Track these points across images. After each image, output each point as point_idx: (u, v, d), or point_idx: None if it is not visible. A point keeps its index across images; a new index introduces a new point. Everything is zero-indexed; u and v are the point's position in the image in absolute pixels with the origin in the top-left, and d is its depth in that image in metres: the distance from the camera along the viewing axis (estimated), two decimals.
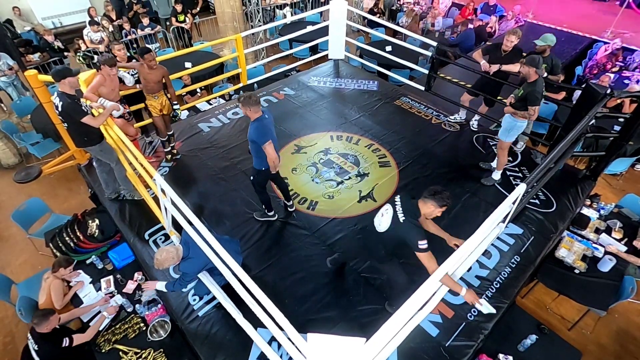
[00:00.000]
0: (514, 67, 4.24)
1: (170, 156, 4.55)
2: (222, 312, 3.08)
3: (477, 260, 3.37)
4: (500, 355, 2.95)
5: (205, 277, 2.96)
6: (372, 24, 8.43)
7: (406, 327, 2.34)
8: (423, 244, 2.35)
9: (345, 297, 3.23)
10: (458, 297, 3.19)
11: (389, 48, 6.78)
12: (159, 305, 3.29)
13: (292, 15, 9.09)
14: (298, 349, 1.93)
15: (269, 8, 9.55)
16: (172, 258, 2.69)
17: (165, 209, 3.19)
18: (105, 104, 3.51)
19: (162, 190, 2.97)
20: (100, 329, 3.12)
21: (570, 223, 4.02)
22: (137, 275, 3.55)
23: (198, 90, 6.39)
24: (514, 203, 2.93)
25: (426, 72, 5.40)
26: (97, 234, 3.87)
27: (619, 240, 3.91)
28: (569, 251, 3.71)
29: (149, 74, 3.98)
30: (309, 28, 6.64)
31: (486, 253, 3.54)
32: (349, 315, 3.11)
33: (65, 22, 9.58)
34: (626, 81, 6.32)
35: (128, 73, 4.33)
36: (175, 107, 4.27)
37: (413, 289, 2.02)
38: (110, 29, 8.14)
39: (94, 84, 3.72)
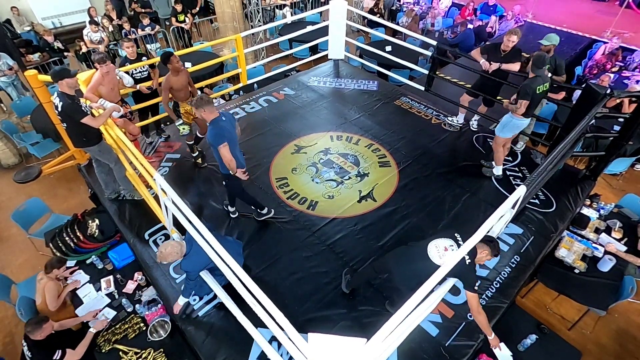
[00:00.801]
0: (514, 67, 4.25)
1: (200, 159, 4.43)
2: (222, 312, 3.08)
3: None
4: None
5: (207, 276, 2.96)
6: (372, 24, 8.43)
7: (406, 327, 2.34)
8: (477, 285, 2.52)
9: (345, 297, 3.23)
10: (458, 297, 3.22)
11: (388, 48, 6.78)
12: (159, 305, 3.29)
13: (292, 15, 9.09)
14: (299, 349, 1.92)
15: (268, 8, 9.55)
16: (176, 253, 2.69)
17: (166, 208, 3.19)
18: (105, 104, 3.52)
19: (163, 190, 2.97)
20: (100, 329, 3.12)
21: (570, 223, 4.02)
22: (137, 275, 3.55)
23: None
24: (513, 207, 2.93)
25: (426, 72, 5.40)
26: (97, 234, 3.87)
27: (619, 240, 3.91)
28: (569, 251, 3.71)
29: (177, 81, 3.84)
30: (309, 28, 6.64)
31: None
32: (349, 315, 3.11)
33: (65, 22, 9.59)
34: (626, 81, 6.32)
35: (127, 73, 4.32)
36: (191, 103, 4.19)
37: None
38: (110, 28, 8.14)
39: (93, 84, 3.73)
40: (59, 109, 3.25)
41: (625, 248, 3.82)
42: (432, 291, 2.14)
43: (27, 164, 5.97)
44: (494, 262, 3.51)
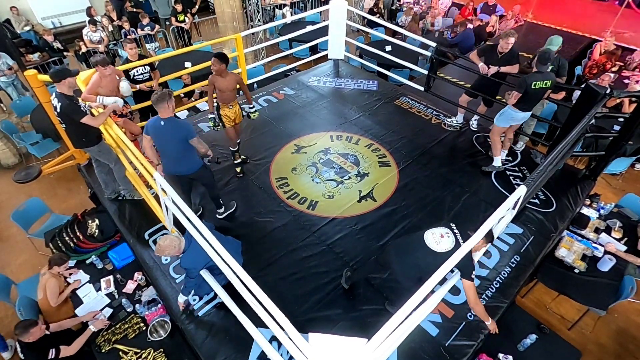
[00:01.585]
0: (513, 69, 4.25)
1: (239, 168, 4.34)
2: (222, 312, 3.09)
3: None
4: (500, 355, 2.95)
5: (207, 276, 2.96)
6: (372, 24, 8.43)
7: (407, 327, 2.34)
8: (474, 274, 2.57)
9: (346, 297, 3.23)
10: (458, 296, 3.22)
11: (388, 48, 6.78)
12: (159, 305, 3.29)
13: (291, 15, 9.09)
14: (299, 349, 1.92)
15: (268, 8, 9.55)
16: (174, 247, 2.68)
17: (166, 207, 3.19)
18: (104, 101, 3.50)
19: (163, 189, 2.97)
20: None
21: (570, 223, 4.02)
22: (137, 275, 3.55)
23: (196, 90, 6.40)
24: (513, 208, 2.93)
25: (426, 72, 5.40)
26: (96, 233, 3.87)
27: (619, 240, 3.91)
28: (569, 251, 3.72)
29: (223, 82, 3.81)
30: (309, 28, 6.64)
31: (486, 253, 3.54)
32: (349, 315, 3.11)
33: (64, 22, 9.58)
34: (626, 81, 6.32)
35: (128, 74, 4.31)
36: (252, 109, 4.15)
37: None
38: (110, 28, 8.13)
39: (91, 86, 3.71)
40: (58, 110, 3.24)
41: (625, 248, 3.82)
42: (433, 291, 2.14)
43: (27, 164, 5.96)
44: (494, 262, 3.51)
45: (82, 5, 9.32)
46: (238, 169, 4.34)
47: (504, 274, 3.43)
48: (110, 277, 3.55)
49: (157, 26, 8.47)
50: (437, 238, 2.58)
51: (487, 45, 4.54)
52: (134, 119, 4.40)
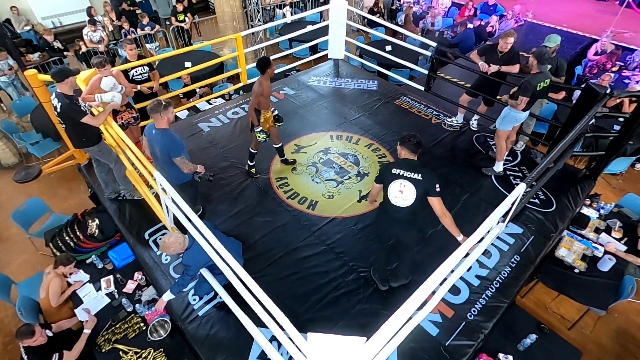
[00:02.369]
0: (513, 69, 4.25)
1: (254, 170, 4.34)
2: (222, 312, 3.09)
3: (477, 260, 3.36)
4: (500, 355, 2.95)
5: (207, 275, 2.96)
6: (372, 24, 8.43)
7: (406, 327, 2.34)
8: (439, 187, 2.74)
9: (345, 297, 3.23)
10: (458, 296, 3.22)
11: (388, 48, 6.78)
12: (162, 309, 3.29)
13: (291, 14, 9.09)
14: (299, 349, 1.92)
15: (268, 7, 9.55)
16: (178, 243, 2.69)
17: (167, 207, 3.20)
18: (102, 98, 3.49)
19: (163, 189, 2.97)
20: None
21: (570, 222, 4.02)
22: (137, 275, 3.55)
23: (197, 90, 6.40)
24: (513, 204, 2.93)
25: (426, 72, 5.40)
26: (97, 233, 3.87)
27: (619, 240, 3.91)
28: (569, 251, 3.71)
29: (268, 87, 3.82)
30: (309, 28, 6.64)
31: (486, 252, 3.54)
32: (349, 315, 3.11)
33: (64, 21, 9.59)
34: (626, 81, 6.32)
35: (128, 75, 4.31)
36: (274, 112, 4.12)
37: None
38: (110, 28, 8.14)
39: (90, 87, 3.70)
40: (58, 110, 3.23)
41: (625, 248, 3.82)
42: (433, 291, 2.14)
43: (27, 164, 5.96)
44: (494, 262, 3.51)
45: (82, 5, 9.33)
46: (253, 170, 4.33)
47: (504, 273, 3.43)
48: (110, 277, 3.55)
49: (157, 26, 8.48)
50: (400, 195, 2.73)
51: (487, 45, 4.53)
52: (139, 121, 4.39)
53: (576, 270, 3.60)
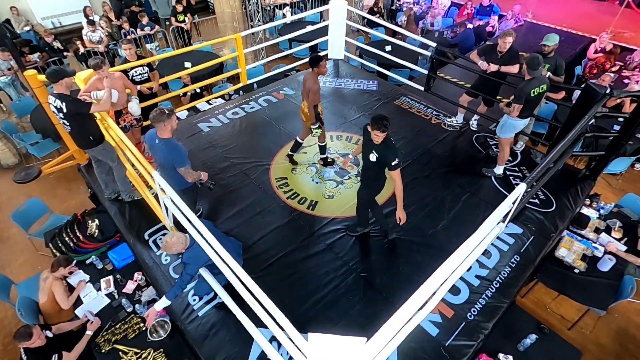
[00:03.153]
0: (513, 69, 4.25)
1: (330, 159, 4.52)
2: (222, 312, 3.09)
3: (477, 260, 3.37)
4: (500, 355, 2.95)
5: (207, 275, 2.96)
6: (372, 24, 8.43)
7: (406, 327, 2.35)
8: (398, 160, 2.98)
9: (345, 297, 3.23)
10: (458, 296, 3.22)
11: (388, 48, 6.78)
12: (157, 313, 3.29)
13: (291, 15, 9.09)
14: (299, 349, 1.93)
15: (268, 8, 9.55)
16: (181, 243, 2.69)
17: (166, 207, 3.20)
18: (97, 95, 3.48)
19: (162, 189, 2.97)
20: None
21: (570, 223, 4.02)
22: (137, 275, 3.55)
23: (197, 90, 6.40)
24: (513, 203, 2.93)
25: (426, 72, 5.40)
26: (96, 234, 3.87)
27: (619, 240, 3.91)
28: (569, 251, 3.71)
29: (317, 85, 3.86)
30: (309, 28, 6.64)
31: (486, 253, 3.54)
32: (349, 315, 3.11)
33: (64, 22, 9.58)
34: (626, 81, 6.32)
35: (127, 75, 4.31)
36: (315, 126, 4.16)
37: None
38: (108, 30, 8.12)
39: (88, 87, 3.69)
40: (65, 110, 3.21)
41: (625, 248, 3.82)
42: (433, 292, 2.14)
43: (27, 164, 5.96)
44: (494, 262, 3.51)
45: (81, 6, 9.30)
46: (330, 159, 4.53)
47: (504, 273, 3.43)
48: (110, 277, 3.54)
49: (156, 26, 8.47)
50: (371, 157, 3.02)
51: (487, 45, 4.54)
52: (141, 123, 4.39)
53: (576, 271, 3.60)
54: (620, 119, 4.33)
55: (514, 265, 3.50)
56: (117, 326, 3.17)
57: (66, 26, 9.56)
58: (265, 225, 3.80)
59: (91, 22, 7.46)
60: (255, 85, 6.24)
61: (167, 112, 2.97)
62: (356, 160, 4.61)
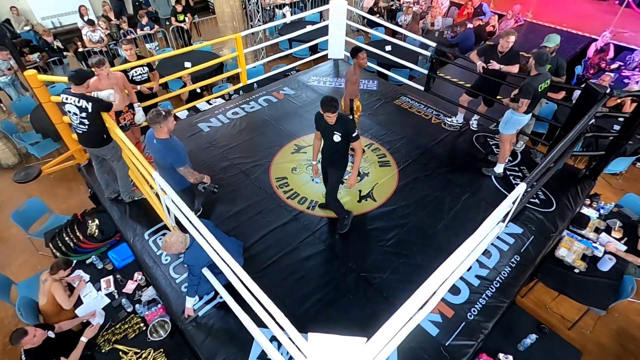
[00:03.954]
0: (513, 69, 4.24)
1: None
2: (222, 312, 3.09)
3: (477, 260, 3.37)
4: (501, 355, 2.95)
5: (208, 275, 2.96)
6: (372, 24, 8.43)
7: (406, 327, 2.34)
8: (357, 132, 3.23)
9: (345, 297, 3.23)
10: (458, 296, 3.22)
11: (388, 48, 6.78)
12: (159, 305, 3.29)
13: (291, 14, 9.09)
14: (299, 349, 1.92)
15: (268, 7, 9.55)
16: (180, 242, 2.69)
17: (167, 207, 3.20)
18: (98, 95, 3.50)
19: (163, 189, 2.97)
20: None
21: (570, 222, 4.02)
22: (137, 275, 3.55)
23: (197, 90, 6.39)
24: (514, 203, 2.93)
25: (426, 72, 5.40)
26: (96, 234, 3.87)
27: (619, 240, 3.91)
28: (569, 250, 3.71)
29: (356, 76, 3.90)
30: (309, 28, 6.64)
31: (486, 252, 3.54)
32: (348, 315, 3.11)
33: (64, 22, 9.58)
34: (626, 80, 6.32)
35: (127, 75, 4.31)
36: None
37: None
38: (107, 31, 8.12)
39: (89, 88, 3.69)
40: (89, 110, 3.27)
41: (625, 247, 3.82)
42: (432, 293, 2.14)
43: (27, 164, 5.96)
44: (494, 262, 3.51)
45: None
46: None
47: (504, 273, 3.43)
48: (110, 277, 3.54)
49: (156, 26, 8.47)
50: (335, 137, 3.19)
51: (487, 45, 4.53)
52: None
53: (576, 270, 3.60)
54: (621, 119, 4.32)
55: (514, 265, 3.50)
56: (117, 326, 3.16)
57: (66, 26, 9.56)
58: (265, 225, 3.80)
59: (91, 22, 7.46)
60: (255, 85, 6.24)
61: (163, 113, 2.97)
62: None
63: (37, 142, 5.68)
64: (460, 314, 3.11)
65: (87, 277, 3.55)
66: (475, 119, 5.12)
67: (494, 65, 4.27)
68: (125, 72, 4.31)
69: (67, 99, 3.29)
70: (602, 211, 4.22)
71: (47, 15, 9.31)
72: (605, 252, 3.73)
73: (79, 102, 3.26)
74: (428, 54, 5.43)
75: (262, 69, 6.58)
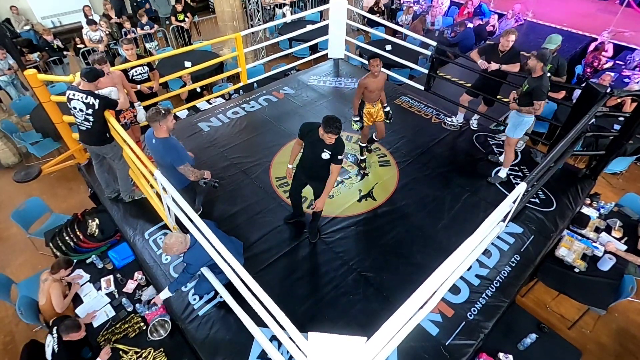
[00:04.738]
0: (514, 68, 4.24)
1: (364, 164, 4.47)
2: (222, 311, 3.09)
3: (477, 259, 3.37)
4: (501, 354, 2.95)
5: (208, 274, 2.96)
6: (372, 23, 8.42)
7: (406, 327, 2.35)
8: (342, 156, 3.10)
9: (345, 296, 3.23)
10: (458, 296, 3.22)
11: (388, 47, 6.78)
12: (159, 305, 3.29)
13: (291, 14, 9.08)
14: (299, 348, 1.93)
15: (268, 7, 9.54)
16: (180, 243, 2.69)
17: (168, 206, 3.20)
18: (101, 93, 3.51)
19: (164, 188, 2.97)
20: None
21: (570, 222, 4.02)
22: (137, 275, 3.55)
23: (197, 89, 6.39)
24: (514, 202, 2.93)
25: (426, 71, 5.39)
26: (97, 233, 3.87)
27: (619, 239, 3.91)
28: (569, 250, 3.71)
29: (374, 82, 3.88)
30: (309, 27, 6.63)
31: (486, 252, 3.54)
32: (349, 315, 3.11)
33: (64, 21, 9.58)
34: (626, 80, 6.32)
35: (127, 75, 4.32)
36: (386, 108, 4.17)
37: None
38: (108, 31, 8.12)
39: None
40: (96, 107, 3.30)
41: (625, 247, 3.82)
42: (432, 293, 2.14)
43: (27, 164, 5.96)
44: (494, 261, 3.51)
45: (81, 5, 9.29)
46: (363, 165, 4.48)
47: (504, 273, 3.43)
48: (111, 277, 3.54)
49: (156, 25, 8.47)
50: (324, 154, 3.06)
51: (487, 44, 4.52)
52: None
53: (576, 270, 3.60)
54: (621, 119, 4.32)
55: (514, 265, 3.50)
56: (117, 325, 3.17)
57: (66, 25, 9.55)
58: (265, 224, 3.80)
59: (92, 22, 7.46)
60: (255, 84, 6.23)
61: (162, 111, 2.97)
62: (355, 159, 4.61)
63: (37, 142, 5.68)
64: (461, 313, 3.11)
65: (87, 277, 3.55)
66: (475, 119, 5.11)
67: (494, 65, 4.27)
68: (125, 71, 4.32)
69: (73, 95, 3.30)
70: (602, 211, 4.22)
71: (47, 14, 9.30)
72: (605, 252, 3.73)
73: (86, 98, 3.27)
74: (428, 53, 5.43)
75: (262, 69, 6.58)
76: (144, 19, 8.19)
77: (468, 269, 3.25)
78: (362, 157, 4.46)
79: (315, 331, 1.70)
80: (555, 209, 4.04)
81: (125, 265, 3.66)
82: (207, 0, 10.96)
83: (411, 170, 4.46)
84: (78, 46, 7.53)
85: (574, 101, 4.05)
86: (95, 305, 3.34)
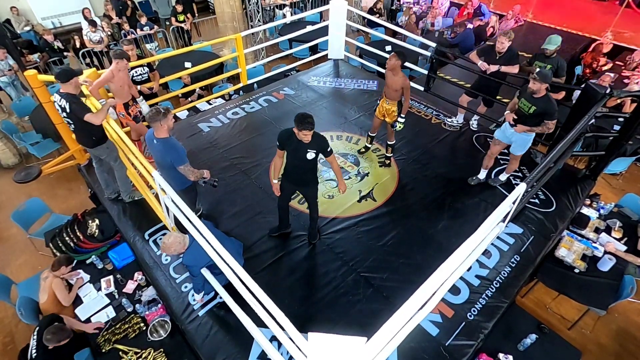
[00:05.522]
0: (513, 69, 4.25)
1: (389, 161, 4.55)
2: (222, 312, 3.09)
3: (477, 260, 3.37)
4: (500, 355, 2.95)
5: (208, 275, 2.96)
6: (372, 24, 8.43)
7: (406, 327, 2.35)
8: (330, 147, 3.09)
9: (345, 297, 3.23)
10: (458, 296, 3.22)
11: (388, 48, 6.78)
12: (159, 305, 3.29)
13: (291, 15, 9.09)
14: (299, 349, 1.92)
15: (268, 8, 9.55)
16: (178, 243, 2.69)
17: (167, 207, 3.20)
18: (104, 104, 3.51)
19: (162, 189, 2.97)
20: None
21: (570, 222, 4.02)
22: (137, 275, 3.55)
23: (197, 90, 6.40)
24: (514, 203, 2.93)
25: (425, 72, 5.40)
26: (97, 233, 3.87)
27: (619, 240, 3.91)
28: (569, 250, 3.71)
29: (392, 79, 3.92)
30: (309, 28, 6.64)
31: (486, 252, 3.55)
32: (349, 315, 3.11)
33: (64, 22, 9.58)
34: (626, 81, 6.32)
35: (144, 101, 4.38)
36: (400, 119, 4.10)
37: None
38: (109, 31, 8.12)
39: (102, 79, 3.72)
40: (68, 110, 3.22)
41: (625, 247, 3.82)
42: (432, 294, 2.14)
43: (27, 164, 5.96)
44: (494, 262, 3.51)
45: (81, 6, 9.29)
46: (362, 150, 4.67)
47: (504, 273, 3.43)
48: (111, 277, 3.54)
49: (155, 26, 8.47)
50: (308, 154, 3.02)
51: (487, 45, 4.54)
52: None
53: (576, 270, 3.60)
54: (621, 119, 4.33)
55: (514, 265, 3.50)
56: (117, 326, 3.17)
57: (66, 26, 9.55)
58: (265, 225, 3.80)
59: (93, 23, 7.46)
60: (255, 85, 6.24)
61: (162, 111, 2.98)
62: (356, 159, 4.61)
63: (37, 142, 5.69)
64: (460, 314, 3.11)
65: (87, 277, 3.55)
66: (475, 119, 5.12)
67: (493, 67, 4.28)
68: None
69: (55, 96, 3.30)
70: (602, 211, 4.22)
71: (47, 15, 9.30)
72: (605, 252, 3.73)
73: (60, 100, 3.23)
74: (428, 54, 5.43)
75: (262, 69, 6.58)
76: (143, 20, 8.19)
77: (468, 270, 3.26)
78: (388, 155, 4.53)
79: (315, 331, 1.70)
80: (555, 209, 4.04)
81: (125, 266, 3.66)
82: (207, 0, 10.97)
83: (411, 170, 4.46)
84: (77, 46, 7.53)
85: (574, 102, 4.05)
86: (95, 305, 3.34)
